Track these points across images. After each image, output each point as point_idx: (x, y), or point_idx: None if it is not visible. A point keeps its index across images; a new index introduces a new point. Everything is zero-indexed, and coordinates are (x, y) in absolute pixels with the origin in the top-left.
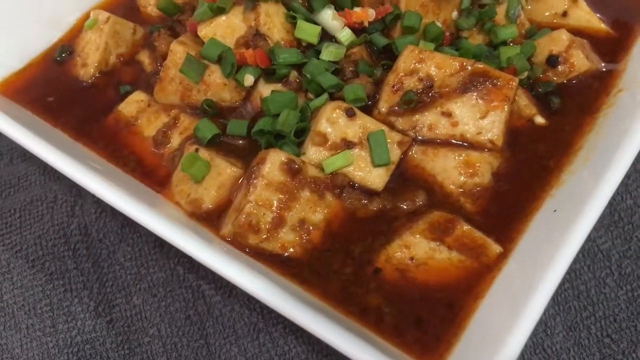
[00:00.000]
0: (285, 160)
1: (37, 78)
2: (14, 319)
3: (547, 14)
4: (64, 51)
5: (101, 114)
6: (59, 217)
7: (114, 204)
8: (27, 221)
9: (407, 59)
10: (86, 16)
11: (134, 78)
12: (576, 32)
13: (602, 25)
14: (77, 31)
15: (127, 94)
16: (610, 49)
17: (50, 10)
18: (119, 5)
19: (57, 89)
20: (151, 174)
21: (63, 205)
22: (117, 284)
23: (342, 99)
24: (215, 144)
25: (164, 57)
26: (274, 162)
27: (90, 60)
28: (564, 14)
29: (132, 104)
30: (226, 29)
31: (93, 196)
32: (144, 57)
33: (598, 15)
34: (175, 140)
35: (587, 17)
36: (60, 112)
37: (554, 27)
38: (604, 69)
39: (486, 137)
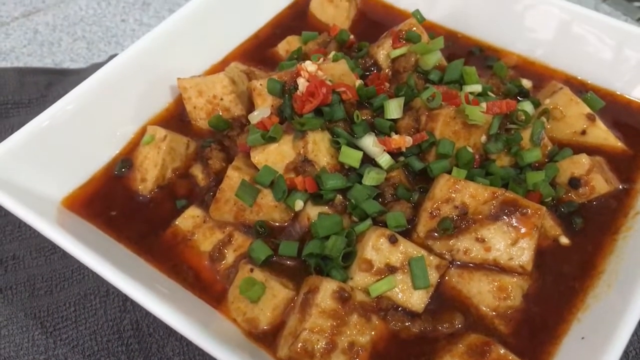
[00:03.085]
0: (337, 289)
1: (99, 192)
2: None
3: (567, 131)
4: (123, 166)
5: (160, 228)
6: (112, 312)
7: (179, 329)
8: (82, 315)
9: (443, 188)
10: (143, 130)
11: (189, 191)
12: (594, 149)
13: (619, 143)
14: (134, 144)
15: (183, 208)
16: (627, 166)
17: (110, 125)
18: (170, 118)
19: (119, 203)
20: (208, 289)
21: (115, 299)
22: None
23: (384, 222)
24: (268, 263)
25: (216, 173)
26: (326, 291)
27: (149, 175)
28: (583, 132)
29: (188, 219)
30: (277, 155)
31: None
32: (197, 172)
33: (615, 132)
34: (230, 257)
35: (605, 136)
36: (123, 226)
37: (573, 145)
38: (621, 187)
39: (517, 263)
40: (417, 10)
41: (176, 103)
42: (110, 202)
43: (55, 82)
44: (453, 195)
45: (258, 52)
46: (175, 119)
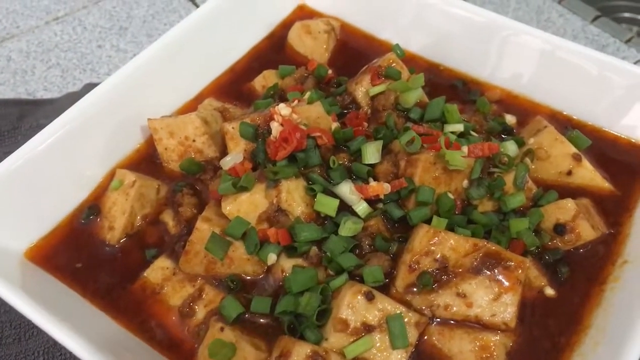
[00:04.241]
0: (310, 354)
1: (64, 242)
2: None
3: (552, 172)
4: (90, 213)
5: (128, 280)
6: None
7: None
8: None
9: (422, 240)
10: (112, 172)
11: (159, 239)
12: (580, 190)
13: (606, 184)
14: (102, 188)
15: (153, 258)
16: (614, 208)
17: (77, 169)
18: (141, 160)
19: (85, 254)
20: (177, 347)
21: None
22: None
23: (361, 275)
24: (240, 320)
25: (187, 220)
26: (299, 355)
27: (117, 224)
28: (569, 172)
29: (157, 271)
30: (249, 205)
31: None
32: (168, 218)
33: (601, 171)
34: (201, 312)
35: (591, 176)
36: (89, 279)
37: (559, 186)
38: (608, 232)
39: (500, 320)
40: (397, 45)
41: (147, 144)
42: (76, 252)
43: (28, 114)
44: (433, 247)
45: (234, 87)
46: (147, 160)
